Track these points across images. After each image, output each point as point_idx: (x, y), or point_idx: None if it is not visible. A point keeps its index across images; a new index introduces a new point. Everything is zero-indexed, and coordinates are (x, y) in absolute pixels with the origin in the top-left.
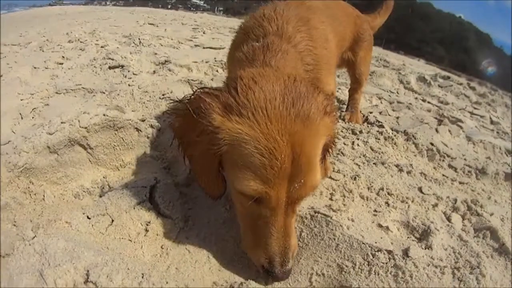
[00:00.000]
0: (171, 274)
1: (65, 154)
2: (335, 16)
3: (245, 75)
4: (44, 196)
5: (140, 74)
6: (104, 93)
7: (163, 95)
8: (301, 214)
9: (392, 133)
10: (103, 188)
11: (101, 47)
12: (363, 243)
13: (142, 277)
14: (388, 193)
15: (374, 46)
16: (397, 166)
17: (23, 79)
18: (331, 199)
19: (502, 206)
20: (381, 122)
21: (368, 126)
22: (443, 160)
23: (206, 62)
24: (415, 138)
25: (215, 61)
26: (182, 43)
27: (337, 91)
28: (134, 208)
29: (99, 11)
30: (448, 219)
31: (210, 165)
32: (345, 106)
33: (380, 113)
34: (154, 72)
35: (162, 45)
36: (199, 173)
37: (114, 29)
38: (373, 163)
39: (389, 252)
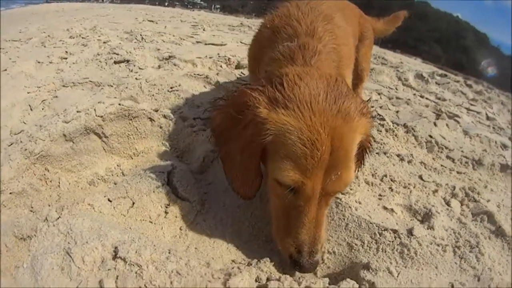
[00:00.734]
0: (191, 253)
1: (80, 143)
2: (349, 15)
3: (291, 72)
4: (59, 183)
5: (146, 69)
6: (112, 86)
7: (171, 88)
8: None
9: (393, 126)
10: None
11: (104, 42)
12: (370, 223)
13: (169, 252)
14: (391, 180)
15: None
16: (398, 155)
17: (28, 73)
18: None
19: (498, 194)
20: (381, 116)
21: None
22: (441, 152)
23: (210, 57)
24: (414, 131)
25: (219, 56)
26: (183, 40)
27: None
28: (153, 192)
29: (97, 8)
30: (448, 204)
31: (250, 159)
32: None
33: (381, 107)
34: (159, 67)
35: (164, 41)
36: (235, 170)
37: (114, 25)
38: (376, 153)
39: (395, 231)
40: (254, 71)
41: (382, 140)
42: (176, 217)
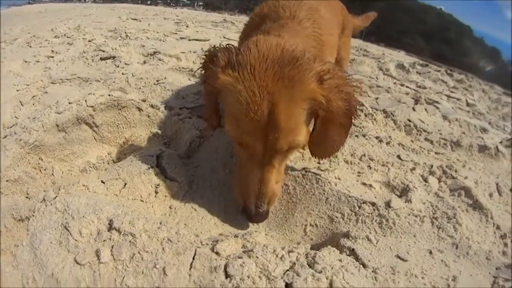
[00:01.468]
0: (181, 228)
1: (72, 132)
2: (334, 8)
3: (253, 39)
4: (53, 171)
5: (132, 64)
6: (99, 81)
7: (157, 81)
8: (294, 174)
9: (372, 111)
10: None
11: (89, 41)
12: (349, 197)
13: (160, 223)
14: (370, 159)
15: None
16: (377, 138)
17: (16, 72)
18: (318, 163)
19: (476, 172)
20: (361, 102)
21: None
22: (420, 134)
23: (194, 52)
24: (393, 116)
25: (202, 51)
26: (167, 36)
27: None
28: (144, 173)
29: (80, 8)
30: (425, 180)
31: (209, 102)
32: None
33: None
34: (145, 62)
35: (148, 38)
36: (205, 105)
37: (98, 24)
38: (355, 136)
39: (373, 204)
40: None
41: (361, 124)
42: (165, 196)
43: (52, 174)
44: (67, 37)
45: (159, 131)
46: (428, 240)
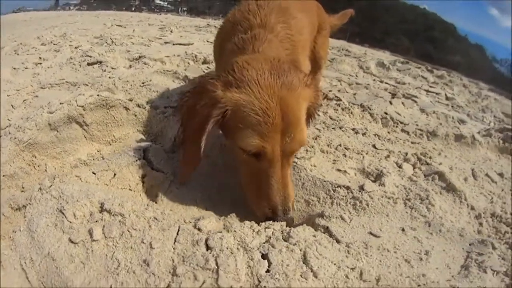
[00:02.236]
0: (167, 213)
1: (63, 131)
2: (307, 8)
3: (240, 60)
4: (46, 168)
5: (118, 68)
6: (87, 85)
7: (143, 83)
8: None
9: (349, 105)
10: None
11: (75, 47)
12: (324, 181)
13: (147, 205)
14: (345, 148)
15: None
16: (353, 129)
17: (5, 78)
18: None
19: (451, 159)
20: (339, 97)
21: (327, 101)
22: (396, 126)
23: (178, 55)
24: (370, 109)
25: (186, 54)
26: (152, 41)
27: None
28: (132, 165)
29: (65, 16)
30: (400, 166)
31: (200, 132)
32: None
33: (339, 91)
34: (130, 66)
35: (133, 44)
36: (188, 140)
37: (83, 31)
38: (332, 128)
39: (347, 187)
40: (217, 59)
41: (338, 117)
42: (152, 186)
43: (45, 170)
44: (54, 44)
45: (146, 129)
46: (401, 219)
